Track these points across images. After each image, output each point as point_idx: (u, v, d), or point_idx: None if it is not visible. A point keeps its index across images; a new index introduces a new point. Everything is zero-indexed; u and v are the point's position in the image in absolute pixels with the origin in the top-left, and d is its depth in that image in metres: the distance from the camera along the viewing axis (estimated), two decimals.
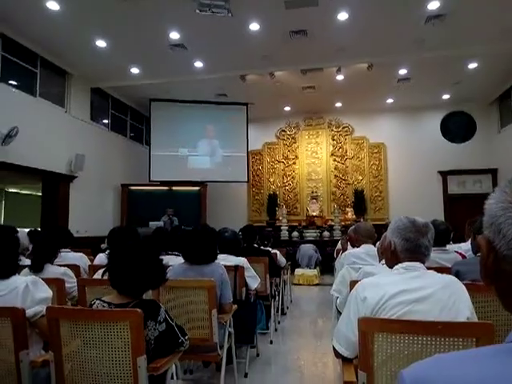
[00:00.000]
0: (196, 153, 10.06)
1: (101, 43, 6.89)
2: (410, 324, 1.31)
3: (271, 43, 6.97)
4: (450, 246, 3.05)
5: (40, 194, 8.14)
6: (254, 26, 6.37)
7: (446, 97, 9.83)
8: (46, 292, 1.86)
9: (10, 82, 6.72)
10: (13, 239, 1.87)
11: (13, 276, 1.82)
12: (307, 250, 8.35)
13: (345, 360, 1.53)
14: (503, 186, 0.57)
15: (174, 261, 3.01)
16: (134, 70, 8.12)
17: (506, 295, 0.55)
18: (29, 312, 1.71)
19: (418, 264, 1.53)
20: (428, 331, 1.27)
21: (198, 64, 7.83)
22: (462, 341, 1.26)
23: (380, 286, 1.47)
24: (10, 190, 11.75)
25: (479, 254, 0.60)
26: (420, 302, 1.41)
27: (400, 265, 1.54)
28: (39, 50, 7.08)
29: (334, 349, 1.56)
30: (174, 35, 6.66)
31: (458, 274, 2.11)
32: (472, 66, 7.91)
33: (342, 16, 6.10)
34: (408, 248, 1.54)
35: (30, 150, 6.75)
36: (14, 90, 6.73)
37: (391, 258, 1.60)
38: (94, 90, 8.79)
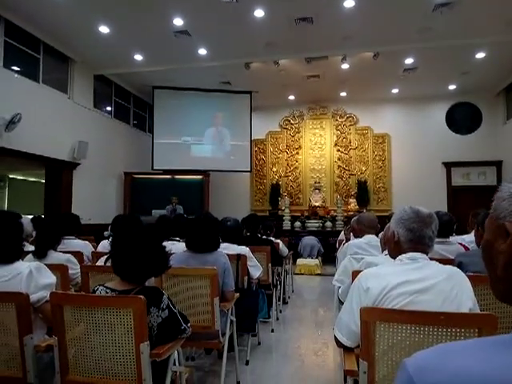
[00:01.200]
0: (202, 141, 10.03)
1: (104, 29, 6.83)
2: (412, 314, 1.31)
3: (276, 30, 6.88)
4: (453, 238, 3.05)
5: (43, 180, 8.17)
6: (259, 13, 6.28)
7: (452, 87, 9.72)
8: (50, 278, 1.87)
9: (13, 67, 6.69)
10: (16, 224, 1.87)
11: (16, 261, 1.82)
12: (309, 240, 8.37)
13: (346, 349, 1.54)
14: None
15: (174, 247, 3.03)
16: (138, 57, 8.06)
17: None
18: (33, 297, 1.72)
19: (421, 255, 1.52)
20: (430, 321, 1.27)
21: (202, 51, 7.76)
22: (464, 331, 1.26)
23: (383, 276, 1.47)
24: (13, 177, 11.78)
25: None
26: (423, 292, 1.41)
27: (403, 255, 1.54)
28: (42, 35, 7.03)
29: (335, 338, 1.57)
30: (178, 22, 6.58)
31: (460, 266, 2.11)
32: (479, 55, 7.79)
33: (349, 3, 6.00)
34: (411, 238, 1.53)
35: (33, 137, 6.74)
36: (16, 75, 6.70)
37: (394, 248, 1.60)
38: (97, 76, 8.74)
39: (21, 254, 1.90)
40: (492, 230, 0.58)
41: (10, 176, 11.67)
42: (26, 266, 1.81)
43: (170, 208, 8.77)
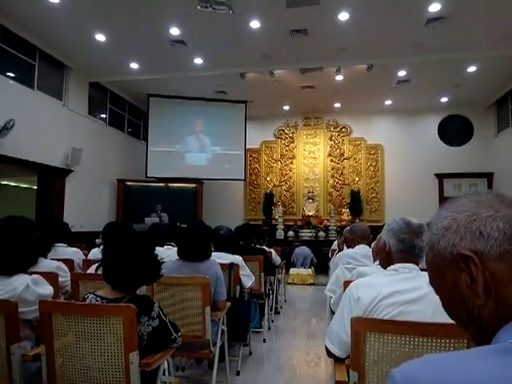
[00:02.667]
0: (184, 149, 10.00)
1: (100, 37, 6.85)
2: (402, 325, 1.31)
3: (271, 41, 6.96)
4: None
5: (35, 187, 8.10)
6: (255, 24, 6.36)
7: (444, 100, 9.87)
8: (47, 289, 1.84)
9: (8, 73, 6.67)
10: (20, 232, 1.78)
11: (16, 275, 1.74)
12: (302, 250, 8.37)
13: (337, 360, 1.54)
14: (450, 204, 0.60)
15: (170, 252, 3.02)
16: (134, 65, 8.09)
17: (505, 304, 0.52)
18: (31, 310, 1.69)
19: (412, 265, 1.53)
20: (420, 332, 1.28)
21: (198, 60, 7.81)
22: (453, 342, 1.26)
23: (373, 286, 1.48)
24: (5, 183, 11.68)
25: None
26: (413, 303, 1.41)
27: (394, 266, 1.55)
28: (38, 42, 7.03)
29: (326, 348, 1.56)
30: (175, 31, 6.63)
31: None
32: (471, 69, 7.94)
33: (343, 16, 6.10)
34: (402, 249, 1.55)
35: (26, 143, 6.71)
36: (11, 81, 6.68)
37: (385, 258, 1.61)
38: (92, 84, 8.75)
39: (27, 267, 1.80)
40: (446, 274, 0.57)
41: (2, 182, 11.56)
42: (22, 280, 1.73)
43: (154, 216, 8.70)
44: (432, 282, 0.62)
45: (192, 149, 10.08)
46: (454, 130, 10.39)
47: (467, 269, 0.54)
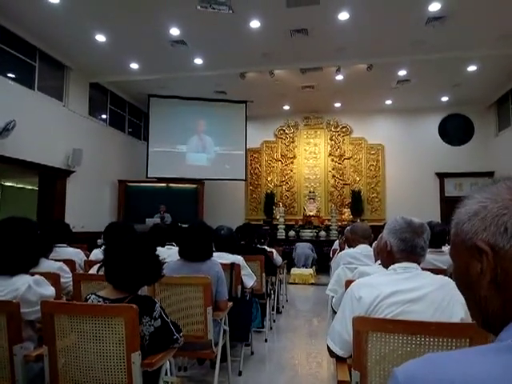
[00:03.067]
0: (186, 149, 10.01)
1: (100, 37, 6.86)
2: (403, 324, 1.31)
3: (272, 41, 6.96)
4: (446, 248, 3.07)
5: (37, 188, 8.11)
6: (255, 24, 6.36)
7: (444, 99, 9.86)
8: (49, 290, 1.84)
9: (8, 74, 6.68)
10: (23, 233, 1.79)
11: (18, 275, 1.75)
12: (303, 249, 8.36)
13: (339, 359, 1.54)
14: (486, 189, 0.58)
15: (171, 251, 3.02)
16: (134, 66, 8.10)
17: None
18: (33, 311, 1.70)
19: (413, 265, 1.54)
20: (421, 331, 1.28)
21: (198, 61, 7.81)
22: (455, 341, 1.27)
23: (375, 285, 1.48)
24: (7, 184, 11.69)
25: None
26: (414, 302, 1.41)
27: (395, 265, 1.55)
28: (38, 42, 7.04)
29: (328, 348, 1.57)
30: (175, 31, 6.63)
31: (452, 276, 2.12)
32: (471, 68, 7.93)
33: (343, 16, 6.10)
34: (404, 248, 1.55)
35: (27, 144, 6.72)
36: (11, 82, 6.69)
37: (387, 258, 1.61)
38: (92, 84, 8.75)
39: (28, 267, 1.81)
40: (461, 255, 0.58)
41: (3, 183, 11.57)
42: (24, 280, 1.73)
43: (158, 216, 8.72)
44: (451, 256, 0.63)
45: (193, 149, 10.08)
46: (455, 130, 10.38)
47: (481, 259, 0.54)
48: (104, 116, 9.43)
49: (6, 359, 1.64)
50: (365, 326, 1.34)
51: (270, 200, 10.82)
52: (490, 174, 9.79)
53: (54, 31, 6.71)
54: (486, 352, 0.48)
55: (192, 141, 10.08)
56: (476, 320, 0.60)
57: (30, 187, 11.33)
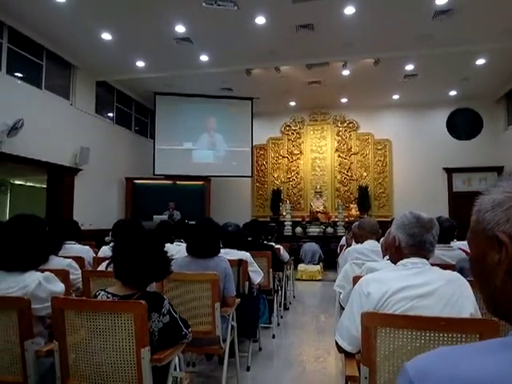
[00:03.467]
0: (197, 147, 10.04)
1: (106, 36, 6.88)
2: (412, 319, 1.31)
3: (277, 37, 6.92)
4: (455, 243, 3.04)
5: (45, 186, 8.18)
6: (260, 20, 6.33)
7: (452, 93, 9.75)
8: (59, 286, 1.87)
9: (16, 74, 6.74)
10: (32, 230, 1.82)
11: (29, 271, 1.78)
12: (311, 246, 8.36)
13: (347, 355, 1.54)
14: (510, 178, 0.56)
15: (180, 248, 3.04)
16: (140, 64, 8.12)
17: None
18: (44, 307, 1.72)
19: (422, 260, 1.53)
20: (431, 327, 1.27)
21: (204, 58, 7.81)
22: (465, 337, 1.26)
23: (383, 281, 1.47)
24: (16, 182, 11.81)
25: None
26: (423, 297, 1.41)
27: (404, 260, 1.54)
28: (45, 42, 7.09)
29: (336, 343, 1.56)
30: (180, 29, 6.63)
31: (462, 271, 2.10)
32: (480, 62, 7.83)
33: (349, 10, 6.05)
34: (412, 244, 1.54)
35: (35, 143, 6.78)
36: (19, 82, 6.75)
37: (395, 253, 1.60)
38: (99, 83, 8.80)
39: (38, 264, 1.85)
40: (480, 243, 0.57)
41: (12, 181, 11.69)
42: (35, 277, 1.77)
43: (167, 214, 8.77)
44: (468, 241, 0.62)
45: (204, 146, 10.10)
46: (463, 124, 10.27)
47: (499, 250, 0.53)
48: (111, 114, 9.48)
49: (17, 355, 1.66)
50: (373, 322, 1.33)
51: (276, 196, 10.81)
52: (499, 169, 9.68)
53: (60, 30, 6.75)
54: (499, 347, 0.48)
55: (202, 138, 10.08)
56: (488, 307, 0.59)
57: (38, 185, 11.44)
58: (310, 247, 8.31)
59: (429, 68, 8.16)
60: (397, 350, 1.31)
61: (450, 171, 10.20)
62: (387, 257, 1.88)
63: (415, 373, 0.48)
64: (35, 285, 1.74)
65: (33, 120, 6.62)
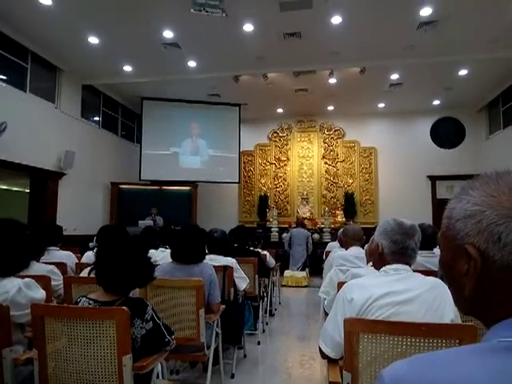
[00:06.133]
0: (180, 152, 9.99)
1: (93, 40, 6.83)
2: (394, 325, 1.32)
3: (265, 44, 6.98)
4: (437, 250, 3.09)
5: (27, 190, 8.03)
6: (248, 27, 6.38)
7: (436, 102, 9.96)
8: (40, 293, 1.83)
9: (0, 76, 6.62)
10: (13, 235, 1.79)
11: (8, 277, 1.75)
12: (300, 232, 8.46)
13: (330, 361, 1.54)
14: (485, 187, 0.54)
15: (164, 254, 3.01)
16: (127, 68, 8.07)
17: (497, 304, 0.52)
18: (22, 314, 1.68)
19: (404, 266, 1.55)
20: (412, 332, 1.29)
21: (192, 63, 7.81)
22: (445, 342, 1.28)
23: (367, 287, 1.49)
24: None
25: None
26: (406, 303, 1.42)
27: (387, 267, 1.56)
28: (30, 44, 6.99)
29: (320, 349, 1.57)
30: (168, 34, 6.63)
31: (443, 278, 2.14)
32: (462, 72, 8.03)
33: (336, 20, 6.14)
34: (395, 250, 1.56)
35: (18, 146, 6.65)
36: (3, 84, 6.64)
37: (378, 260, 1.62)
38: (85, 86, 8.71)
39: (19, 269, 1.82)
40: (450, 249, 0.57)
41: None
42: (14, 283, 1.73)
43: (149, 219, 8.68)
44: (438, 243, 0.63)
45: (187, 152, 10.07)
46: (446, 133, 10.49)
47: (468, 262, 0.53)
48: (97, 118, 9.38)
49: None
50: (356, 328, 1.34)
51: (263, 203, 10.83)
52: None
53: (46, 33, 6.67)
54: (474, 352, 0.49)
55: (185, 144, 10.06)
56: (459, 307, 0.61)
57: (21, 190, 11.21)
58: (300, 235, 8.41)
59: (413, 77, 8.32)
60: (379, 356, 1.32)
61: (433, 179, 10.39)
62: (371, 263, 1.90)
63: (391, 380, 0.48)
64: (15, 291, 1.70)
65: (16, 123, 6.50)
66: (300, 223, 9.23)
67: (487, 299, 0.53)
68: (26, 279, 1.82)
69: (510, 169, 0.56)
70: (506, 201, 0.52)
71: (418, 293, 1.45)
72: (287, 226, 10.19)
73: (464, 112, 10.21)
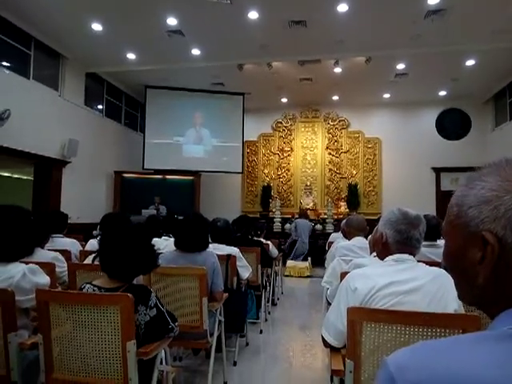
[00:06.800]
0: (184, 141, 9.97)
1: (97, 27, 6.77)
2: (397, 314, 1.32)
3: (270, 32, 6.90)
4: (441, 241, 3.08)
5: (31, 178, 8.05)
6: (253, 15, 6.30)
7: (442, 93, 9.85)
8: (44, 279, 1.85)
9: (4, 63, 6.60)
10: (17, 221, 1.80)
11: (13, 262, 1.76)
12: (303, 223, 8.58)
13: (333, 349, 1.55)
14: (500, 172, 0.54)
15: (168, 242, 3.02)
16: (130, 56, 8.02)
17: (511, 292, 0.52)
18: (27, 298, 1.70)
19: (408, 256, 1.54)
20: (415, 322, 1.29)
21: (195, 51, 7.75)
22: (448, 332, 1.28)
23: (370, 277, 1.49)
24: (1, 174, 11.60)
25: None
26: (409, 293, 1.42)
27: (391, 256, 1.56)
28: (34, 31, 6.94)
29: (322, 338, 1.58)
30: (172, 21, 6.56)
31: (447, 268, 2.13)
32: (469, 63, 7.91)
33: (342, 8, 6.05)
34: (399, 240, 1.55)
35: (22, 134, 6.66)
36: (6, 71, 6.61)
37: (382, 249, 1.61)
38: (88, 74, 8.66)
39: (24, 254, 1.83)
40: (461, 238, 0.56)
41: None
42: (19, 268, 1.75)
43: (153, 208, 8.71)
44: (445, 233, 0.60)
45: (190, 141, 10.05)
46: (452, 124, 10.39)
47: (483, 249, 0.52)
48: (100, 106, 9.36)
49: (0, 347, 1.64)
50: (359, 317, 1.34)
51: (266, 193, 10.82)
52: None
53: (49, 20, 6.62)
54: (480, 340, 0.48)
55: (189, 133, 10.04)
56: (465, 299, 0.60)
57: (25, 177, 11.26)
58: (302, 223, 8.50)
59: (419, 68, 8.22)
60: (382, 345, 1.32)
61: (438, 170, 10.33)
62: (374, 253, 1.90)
63: (395, 367, 0.48)
64: (20, 276, 1.72)
65: (20, 111, 6.49)
66: (303, 214, 9.26)
67: (501, 287, 0.52)
68: (31, 265, 1.83)
69: None
70: None
71: (421, 283, 1.44)
72: (290, 216, 10.20)
73: (470, 103, 10.09)
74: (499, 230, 0.51)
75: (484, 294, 0.55)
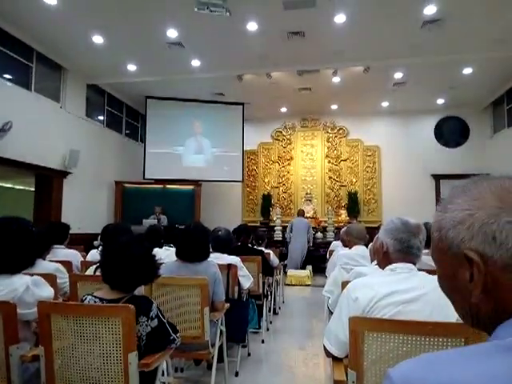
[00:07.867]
0: (184, 151, 10.01)
1: (98, 39, 6.85)
2: (399, 324, 1.32)
3: (269, 43, 6.97)
4: None
5: (32, 189, 8.07)
6: (252, 26, 6.37)
7: (440, 101, 9.91)
8: (48, 291, 1.85)
9: (5, 75, 6.66)
10: (20, 233, 1.80)
11: (17, 274, 1.76)
12: (300, 221, 8.61)
13: (335, 359, 1.55)
14: (468, 193, 0.56)
15: (169, 252, 3.02)
16: (131, 67, 8.09)
17: (506, 304, 0.52)
18: (30, 312, 1.70)
19: (409, 265, 1.54)
20: (418, 331, 1.28)
21: (195, 63, 7.82)
22: (451, 341, 1.27)
23: (371, 286, 1.49)
24: (2, 185, 11.63)
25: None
26: (411, 302, 1.42)
27: (392, 265, 1.56)
28: (35, 44, 7.02)
29: (324, 348, 1.57)
30: (172, 33, 6.64)
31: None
32: (467, 71, 7.98)
33: (340, 18, 6.12)
34: (400, 249, 1.55)
35: (23, 145, 6.69)
36: (8, 83, 6.67)
37: (383, 258, 1.62)
38: (89, 86, 8.73)
39: (26, 266, 1.83)
40: (447, 260, 0.57)
41: (1, 185, 11.51)
42: (23, 281, 1.75)
43: (153, 218, 8.71)
44: (434, 259, 0.61)
45: (190, 151, 10.09)
46: (451, 132, 10.44)
47: (470, 267, 0.53)
48: (101, 117, 9.42)
49: (1, 360, 1.63)
50: (361, 326, 1.34)
51: (266, 201, 10.83)
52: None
53: (51, 32, 6.69)
54: (484, 351, 0.47)
55: (189, 142, 10.08)
56: (465, 321, 0.59)
57: (27, 188, 11.29)
58: (299, 221, 8.55)
59: (417, 76, 8.29)
60: (384, 355, 1.32)
61: (437, 178, 10.34)
62: (375, 262, 1.90)
63: (399, 380, 0.48)
64: (23, 289, 1.72)
65: (22, 122, 6.54)
66: (301, 214, 9.26)
67: (495, 301, 0.52)
68: (35, 277, 1.84)
69: (484, 175, 0.58)
70: (491, 200, 0.52)
71: (423, 292, 1.44)
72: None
73: (468, 111, 10.15)
74: (478, 245, 0.52)
75: (480, 311, 0.55)
